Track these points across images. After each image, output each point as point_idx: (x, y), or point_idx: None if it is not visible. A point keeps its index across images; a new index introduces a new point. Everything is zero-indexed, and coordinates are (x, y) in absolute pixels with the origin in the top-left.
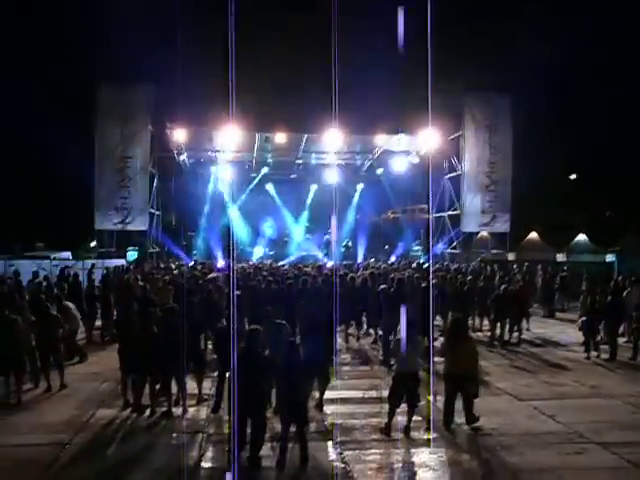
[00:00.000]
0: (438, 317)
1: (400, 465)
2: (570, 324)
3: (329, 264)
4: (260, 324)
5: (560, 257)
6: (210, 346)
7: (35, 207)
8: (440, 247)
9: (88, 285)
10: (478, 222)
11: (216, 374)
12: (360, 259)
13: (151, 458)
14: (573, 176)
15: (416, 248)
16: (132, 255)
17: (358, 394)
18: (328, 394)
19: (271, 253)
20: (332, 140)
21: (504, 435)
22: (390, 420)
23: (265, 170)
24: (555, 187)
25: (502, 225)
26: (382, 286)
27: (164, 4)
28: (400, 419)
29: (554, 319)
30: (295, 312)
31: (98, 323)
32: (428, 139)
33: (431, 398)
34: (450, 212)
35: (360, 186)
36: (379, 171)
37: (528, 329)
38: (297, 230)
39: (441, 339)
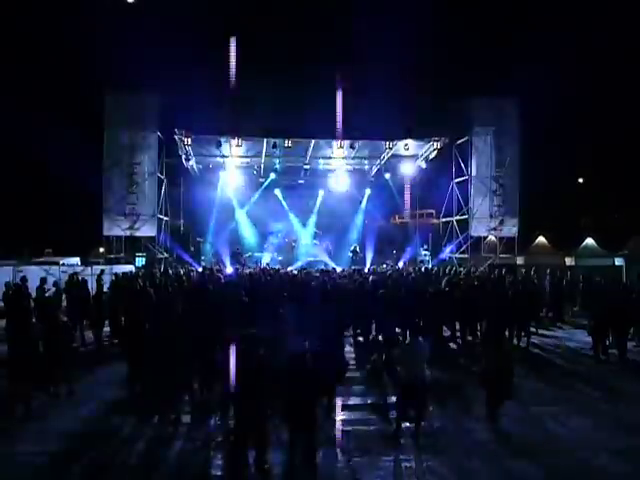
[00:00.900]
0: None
1: (410, 473)
2: (578, 328)
3: (338, 269)
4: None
5: (569, 261)
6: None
7: (44, 213)
8: (448, 252)
9: (97, 291)
10: (486, 226)
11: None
12: (368, 264)
13: (160, 467)
14: (580, 180)
15: (424, 253)
16: (140, 261)
17: (366, 400)
18: (336, 400)
19: (279, 258)
20: (339, 145)
21: (516, 441)
22: (399, 427)
23: (273, 176)
24: (562, 190)
25: (510, 229)
26: (381, 291)
27: (172, 11)
28: (410, 425)
29: (562, 323)
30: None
31: (106, 329)
32: (435, 144)
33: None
34: (458, 217)
35: (368, 191)
36: (387, 176)
37: (537, 333)
38: (305, 235)
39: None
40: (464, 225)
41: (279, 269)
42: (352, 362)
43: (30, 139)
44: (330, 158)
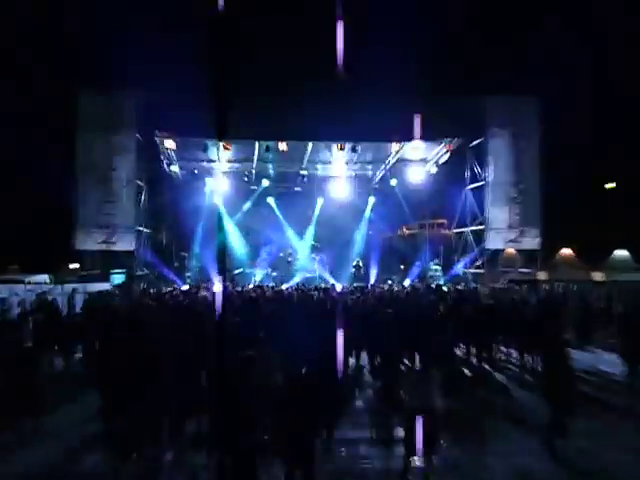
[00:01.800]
0: (462, 345)
1: None
2: (607, 351)
3: (338, 287)
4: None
5: (597, 276)
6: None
7: (8, 225)
8: (461, 267)
9: (68, 313)
10: (504, 238)
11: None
12: (372, 280)
13: None
14: (610, 185)
15: (434, 268)
16: (118, 278)
17: (370, 433)
18: (337, 434)
19: (274, 274)
20: (340, 148)
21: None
22: (407, 465)
23: (266, 182)
24: (589, 199)
25: (531, 241)
26: (389, 310)
27: (150, 4)
28: (419, 464)
29: (589, 345)
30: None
31: (79, 355)
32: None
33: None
34: (473, 227)
35: (372, 199)
36: (393, 182)
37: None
38: (302, 249)
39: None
40: (479, 237)
41: (273, 286)
42: (354, 390)
43: None
44: (330, 163)
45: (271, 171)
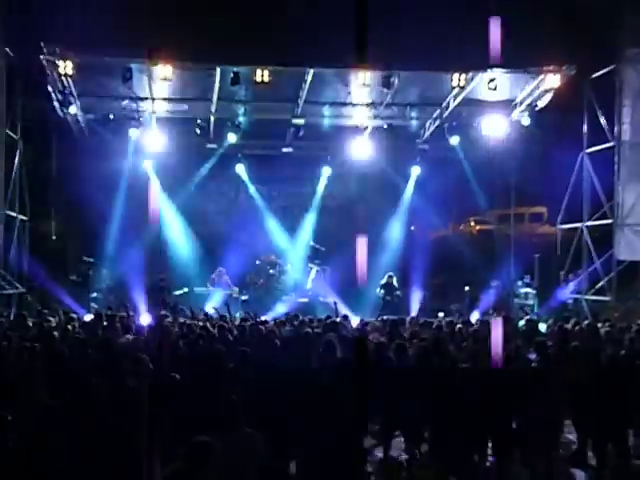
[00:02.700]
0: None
1: None
2: None
3: (354, 321)
4: None
5: None
6: None
7: None
8: (571, 289)
9: None
10: None
11: None
12: (414, 310)
13: None
14: None
15: (525, 291)
16: None
17: None
18: None
19: (243, 299)
20: (363, 82)
21: None
22: None
23: (233, 138)
24: None
25: None
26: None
27: None
28: None
29: None
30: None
31: None
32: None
33: None
34: (593, 222)
35: (416, 170)
36: (453, 141)
37: None
38: (294, 255)
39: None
40: (604, 239)
41: (243, 320)
42: None
43: None
44: (344, 106)
45: (242, 119)
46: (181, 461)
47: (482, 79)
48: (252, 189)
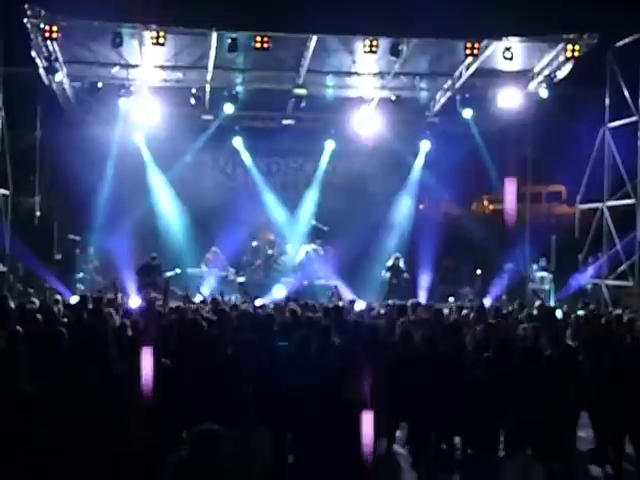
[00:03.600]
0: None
1: None
2: None
3: (359, 305)
4: None
5: None
6: None
7: None
8: (591, 273)
9: None
10: None
11: None
12: (423, 294)
13: None
14: None
15: (540, 275)
16: None
17: None
18: None
19: (240, 281)
20: (370, 49)
21: None
22: None
23: (230, 109)
24: None
25: None
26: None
27: None
28: None
29: None
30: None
31: None
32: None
33: None
34: (614, 201)
35: (426, 144)
36: (466, 114)
37: None
38: (294, 234)
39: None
40: (627, 219)
41: (240, 304)
42: None
43: None
44: (350, 76)
45: (239, 88)
46: (187, 449)
47: (497, 48)
48: (250, 163)
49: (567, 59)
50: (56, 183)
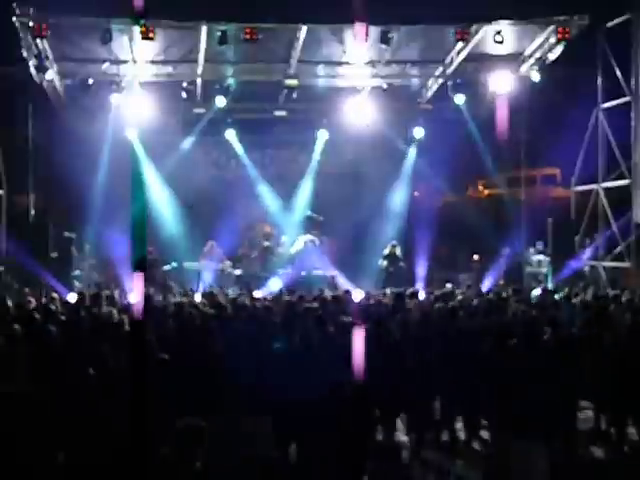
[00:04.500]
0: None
1: None
2: None
3: (357, 294)
4: None
5: None
6: None
7: None
8: (587, 255)
9: None
10: None
11: None
12: (420, 282)
13: None
14: None
15: (537, 259)
16: None
17: None
18: None
19: (236, 273)
20: (360, 38)
21: None
22: None
23: (222, 102)
24: None
25: None
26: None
27: None
28: None
29: None
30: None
31: None
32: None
33: None
34: (609, 183)
35: (419, 131)
36: (458, 99)
37: None
38: (289, 225)
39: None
40: (623, 200)
41: (238, 296)
42: None
43: None
44: (341, 65)
45: (231, 80)
46: (170, 446)
47: (487, 32)
48: (243, 156)
49: (558, 41)
50: (50, 181)
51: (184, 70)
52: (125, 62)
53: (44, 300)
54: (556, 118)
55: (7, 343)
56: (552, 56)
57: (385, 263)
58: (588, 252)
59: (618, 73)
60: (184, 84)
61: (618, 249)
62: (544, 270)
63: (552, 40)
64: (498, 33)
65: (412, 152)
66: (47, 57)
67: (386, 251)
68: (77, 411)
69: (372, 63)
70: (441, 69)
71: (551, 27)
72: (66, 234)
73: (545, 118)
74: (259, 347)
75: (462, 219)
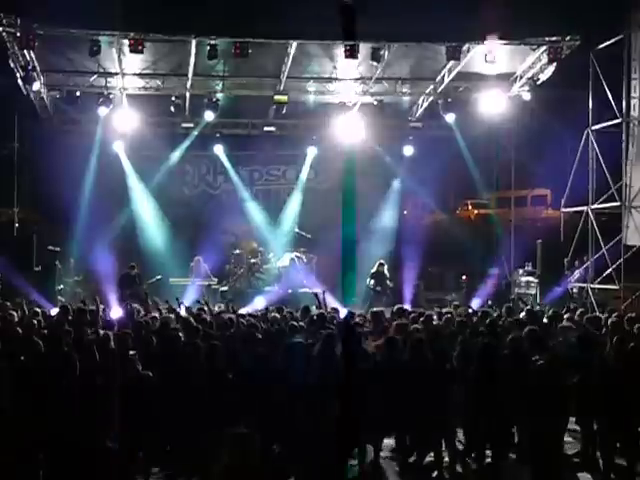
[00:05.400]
0: None
1: None
2: None
3: (343, 312)
4: None
5: None
6: None
7: None
8: (576, 277)
9: None
10: None
11: None
12: (407, 301)
13: None
14: None
15: (525, 280)
16: None
17: None
18: None
19: (223, 290)
20: (350, 55)
21: None
22: None
23: (210, 116)
24: None
25: None
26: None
27: None
28: None
29: None
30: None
31: None
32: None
33: None
34: (599, 205)
35: (409, 150)
36: (449, 118)
37: None
38: (277, 241)
39: None
40: (613, 222)
41: (223, 311)
42: None
43: None
44: (331, 81)
45: (220, 95)
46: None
47: (478, 51)
48: (231, 171)
49: (549, 61)
50: (35, 194)
51: (173, 84)
52: (113, 74)
53: (27, 314)
54: (547, 138)
55: None
56: (543, 76)
57: (372, 282)
58: (577, 274)
59: (609, 95)
60: (173, 98)
61: (607, 271)
62: (532, 291)
63: (543, 60)
64: (490, 52)
65: (401, 170)
66: (34, 68)
67: (373, 269)
68: (61, 426)
69: (363, 80)
70: (432, 87)
71: (542, 47)
72: (50, 248)
73: (536, 138)
74: (242, 364)
75: (451, 238)
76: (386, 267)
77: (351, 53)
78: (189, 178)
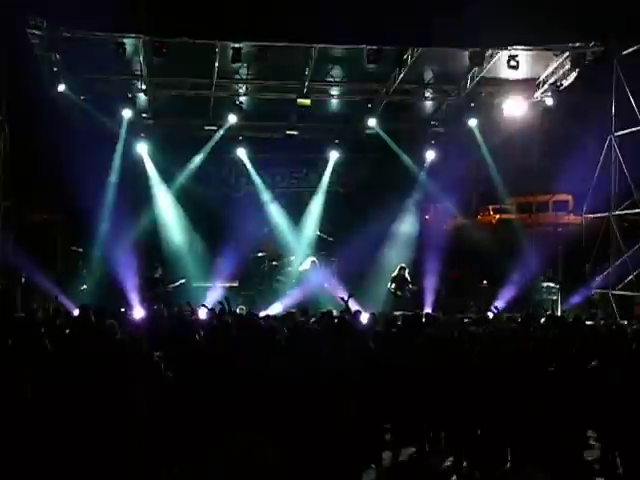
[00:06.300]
0: None
1: None
2: None
3: (364, 317)
4: None
5: None
6: None
7: None
8: (597, 284)
9: None
10: None
11: None
12: (429, 305)
13: None
14: None
15: (546, 285)
16: None
17: None
18: None
19: (244, 293)
20: (372, 60)
21: None
22: None
23: (233, 119)
24: None
25: None
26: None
27: None
28: None
29: None
30: None
31: None
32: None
33: None
34: (621, 211)
35: (430, 154)
36: (472, 123)
37: None
38: (299, 246)
39: None
40: (635, 228)
41: (244, 314)
42: None
43: None
44: (353, 84)
45: (243, 99)
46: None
47: (502, 57)
48: (253, 174)
49: (573, 67)
50: (60, 195)
51: (197, 87)
52: (137, 77)
53: (50, 314)
54: (569, 144)
55: (11, 359)
56: (567, 82)
57: (393, 286)
58: (598, 280)
59: (632, 101)
60: (196, 101)
61: (629, 278)
62: (553, 297)
63: (567, 66)
64: (513, 58)
65: (423, 174)
66: (59, 70)
67: (394, 273)
68: (81, 427)
69: (385, 84)
70: (455, 92)
71: (566, 53)
72: (74, 248)
73: (558, 144)
74: (260, 365)
75: (472, 244)
76: (407, 271)
77: (375, 57)
78: (212, 180)
